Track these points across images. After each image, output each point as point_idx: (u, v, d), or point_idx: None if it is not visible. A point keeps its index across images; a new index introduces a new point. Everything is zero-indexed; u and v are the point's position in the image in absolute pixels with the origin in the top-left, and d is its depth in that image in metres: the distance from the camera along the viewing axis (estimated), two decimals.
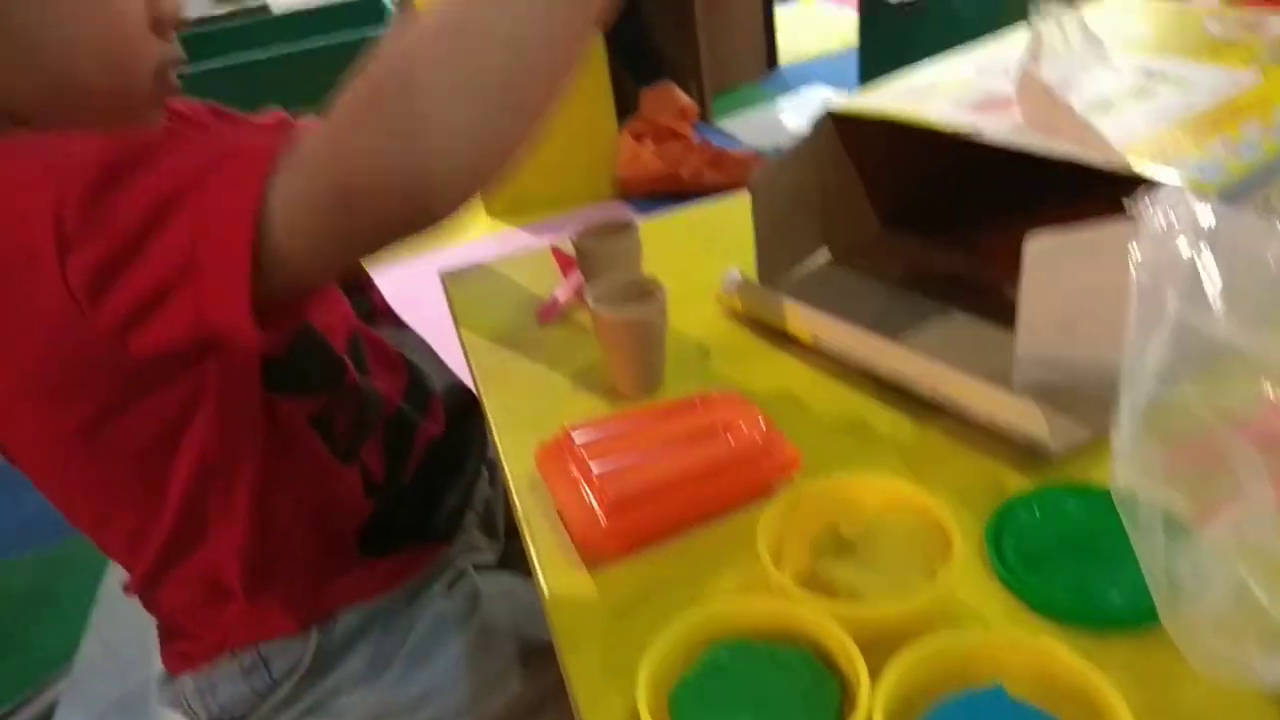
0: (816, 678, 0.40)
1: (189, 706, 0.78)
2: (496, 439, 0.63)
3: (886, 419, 0.60)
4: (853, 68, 3.20)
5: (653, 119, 2.69)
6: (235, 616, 0.74)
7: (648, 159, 2.59)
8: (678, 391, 0.65)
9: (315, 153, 0.49)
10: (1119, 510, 0.40)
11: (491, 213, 2.71)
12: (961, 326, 0.66)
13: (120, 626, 0.76)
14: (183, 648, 0.77)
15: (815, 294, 0.69)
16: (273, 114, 0.83)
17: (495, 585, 0.84)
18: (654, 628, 0.42)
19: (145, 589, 0.74)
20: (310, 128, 0.50)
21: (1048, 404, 0.54)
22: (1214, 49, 0.69)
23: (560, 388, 0.68)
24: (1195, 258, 0.44)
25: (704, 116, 2.92)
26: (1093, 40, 0.70)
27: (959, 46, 2.23)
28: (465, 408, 0.88)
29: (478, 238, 2.62)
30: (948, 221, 0.77)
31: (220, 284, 0.50)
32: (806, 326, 0.65)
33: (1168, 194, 0.46)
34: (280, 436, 0.68)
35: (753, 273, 0.72)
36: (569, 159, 2.67)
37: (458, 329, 0.79)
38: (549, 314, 0.76)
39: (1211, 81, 0.64)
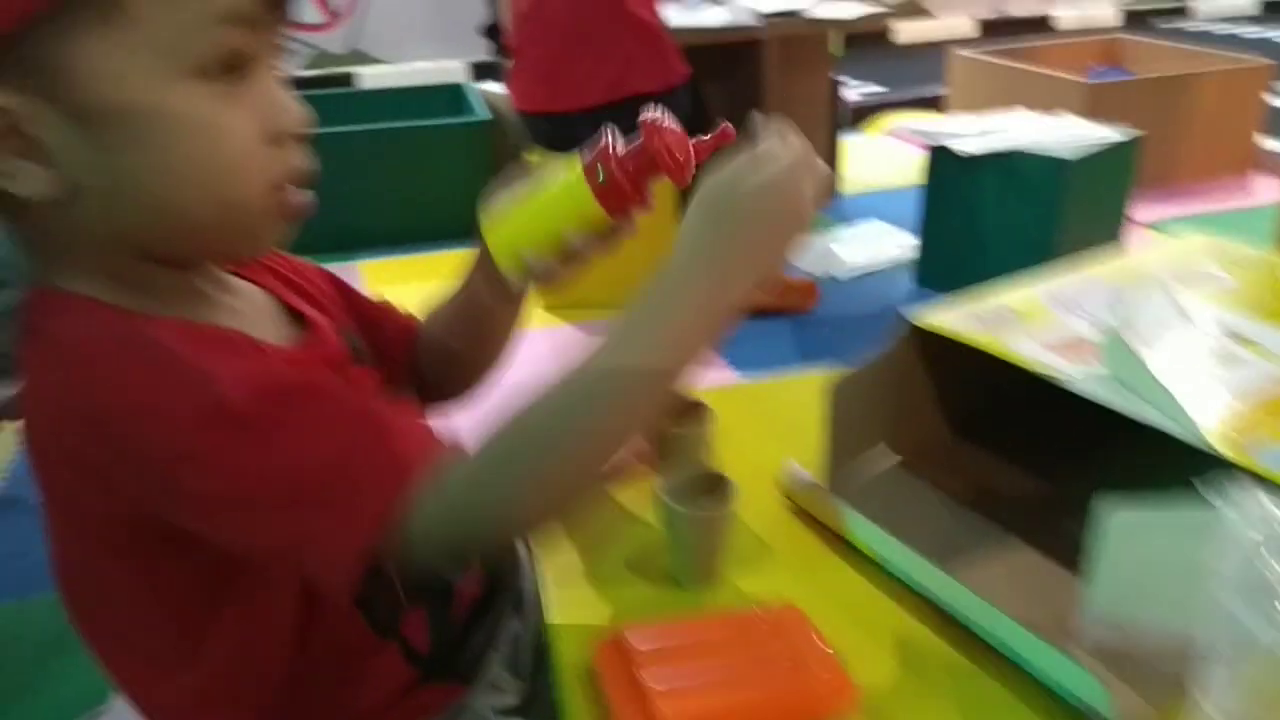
0: None
1: None
2: (551, 611, 0.63)
3: (944, 656, 0.60)
4: (910, 205, 3.25)
5: None
6: None
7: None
8: (735, 587, 0.65)
9: (457, 500, 0.54)
10: None
11: (547, 307, 2.74)
12: (1025, 559, 0.66)
13: None
14: None
15: (879, 500, 0.70)
16: (382, 302, 0.84)
17: None
18: None
19: None
20: (445, 456, 0.54)
21: (1110, 666, 0.54)
22: None
23: (617, 565, 0.68)
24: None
25: None
26: (1176, 298, 0.71)
27: (1018, 200, 2.23)
28: None
29: (531, 330, 2.64)
30: (1016, 437, 0.78)
31: (328, 569, 0.55)
32: (871, 543, 0.66)
33: (1247, 496, 0.47)
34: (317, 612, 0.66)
35: (813, 460, 0.73)
36: (632, 267, 2.69)
37: None
38: (615, 479, 0.77)
39: None
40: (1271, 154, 3.56)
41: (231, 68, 0.57)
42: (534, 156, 2.66)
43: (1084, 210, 2.53)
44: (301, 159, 0.61)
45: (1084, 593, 0.56)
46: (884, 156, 4.02)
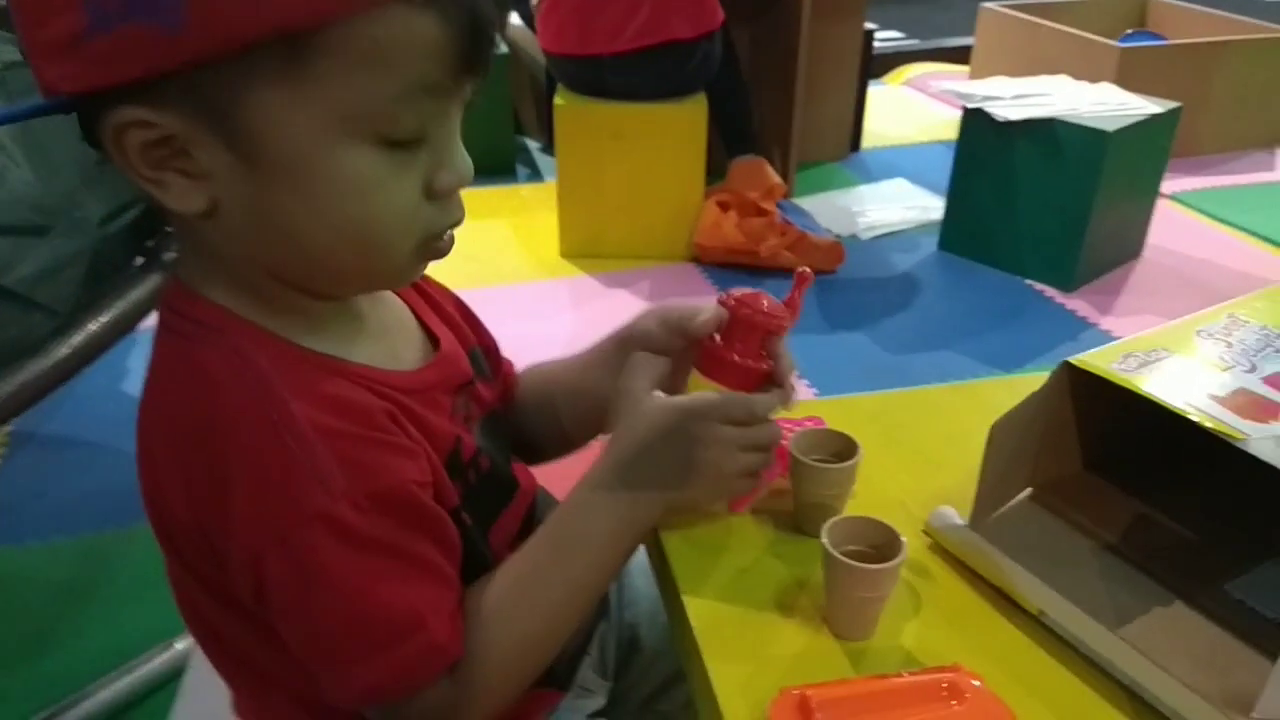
0: None
1: None
2: (707, 664, 0.62)
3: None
4: (933, 162, 3.21)
5: (739, 191, 2.69)
6: None
7: (729, 230, 2.59)
8: (890, 642, 0.64)
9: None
10: None
11: (565, 254, 2.70)
12: (1181, 619, 0.65)
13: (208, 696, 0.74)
14: None
15: (1020, 542, 0.68)
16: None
17: None
18: None
19: None
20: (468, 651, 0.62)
21: None
22: None
23: (766, 605, 0.67)
24: None
25: (787, 194, 2.93)
26: None
27: (1054, 170, 2.17)
28: None
29: (548, 278, 2.61)
30: (1146, 473, 0.77)
31: (337, 695, 0.61)
32: (1034, 600, 0.65)
33: None
34: None
35: (949, 493, 0.72)
36: (652, 216, 2.67)
37: None
38: (742, 506, 0.75)
39: None
40: None
41: (413, 140, 0.56)
42: (559, 99, 2.59)
43: (1119, 182, 2.50)
44: (457, 213, 0.61)
45: (1273, 678, 0.55)
46: (906, 109, 3.96)
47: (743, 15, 2.81)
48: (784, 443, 0.75)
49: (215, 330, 0.60)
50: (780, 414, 0.71)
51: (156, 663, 1.42)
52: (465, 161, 0.59)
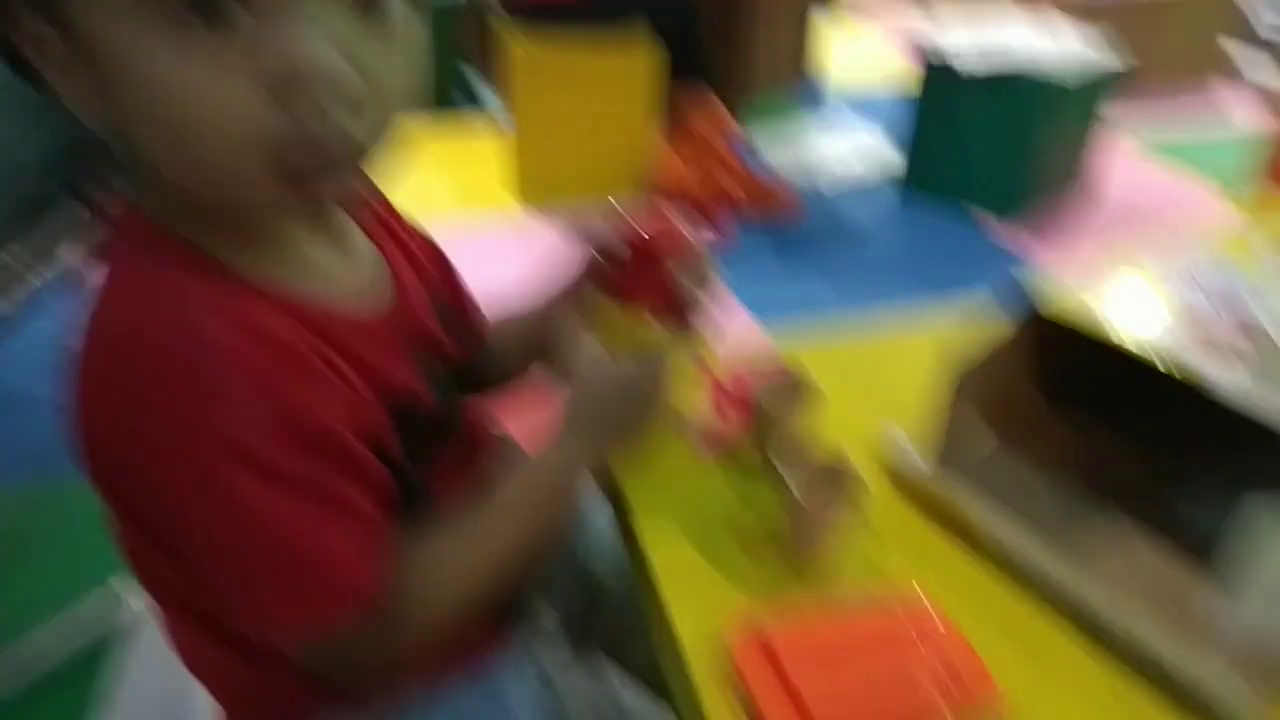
0: None
1: None
2: (665, 599, 0.61)
3: (1072, 653, 0.60)
4: (888, 103, 3.19)
5: (692, 128, 2.65)
6: (291, 691, 0.71)
7: (680, 170, 2.56)
8: (847, 570, 0.64)
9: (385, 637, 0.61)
10: None
11: (520, 197, 2.65)
12: (1138, 543, 0.66)
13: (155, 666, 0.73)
14: None
15: (978, 477, 0.69)
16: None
17: (573, 688, 0.82)
18: None
19: (190, 644, 0.71)
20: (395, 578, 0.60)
21: (1252, 676, 0.55)
22: None
23: (724, 538, 0.67)
24: None
25: (737, 129, 2.89)
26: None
27: (1014, 121, 2.15)
28: None
29: (499, 213, 2.57)
30: (1102, 402, 0.77)
31: (276, 635, 0.59)
32: (990, 533, 0.65)
33: None
34: None
35: (906, 428, 0.72)
36: (603, 150, 2.64)
37: None
38: (708, 452, 0.74)
39: None
40: (1242, 63, 3.58)
41: (208, 12, 0.47)
42: (518, 50, 2.52)
43: (1075, 131, 2.54)
44: (314, 118, 0.49)
45: (1226, 598, 0.56)
46: (857, 45, 3.93)
47: None
48: (746, 390, 0.74)
49: (144, 247, 0.57)
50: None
51: (96, 608, 1.39)
52: (318, 50, 0.48)
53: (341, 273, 0.65)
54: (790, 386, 0.71)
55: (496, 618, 0.79)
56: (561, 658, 0.87)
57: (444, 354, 0.72)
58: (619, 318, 0.67)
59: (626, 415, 0.69)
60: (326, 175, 0.53)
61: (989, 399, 0.73)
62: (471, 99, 3.25)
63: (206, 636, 0.68)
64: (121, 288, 0.56)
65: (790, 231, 2.59)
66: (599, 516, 0.97)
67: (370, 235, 0.70)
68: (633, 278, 0.68)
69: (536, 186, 2.64)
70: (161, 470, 0.54)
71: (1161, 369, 0.62)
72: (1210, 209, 2.71)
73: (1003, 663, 0.56)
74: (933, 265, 2.49)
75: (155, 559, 0.63)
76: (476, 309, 0.83)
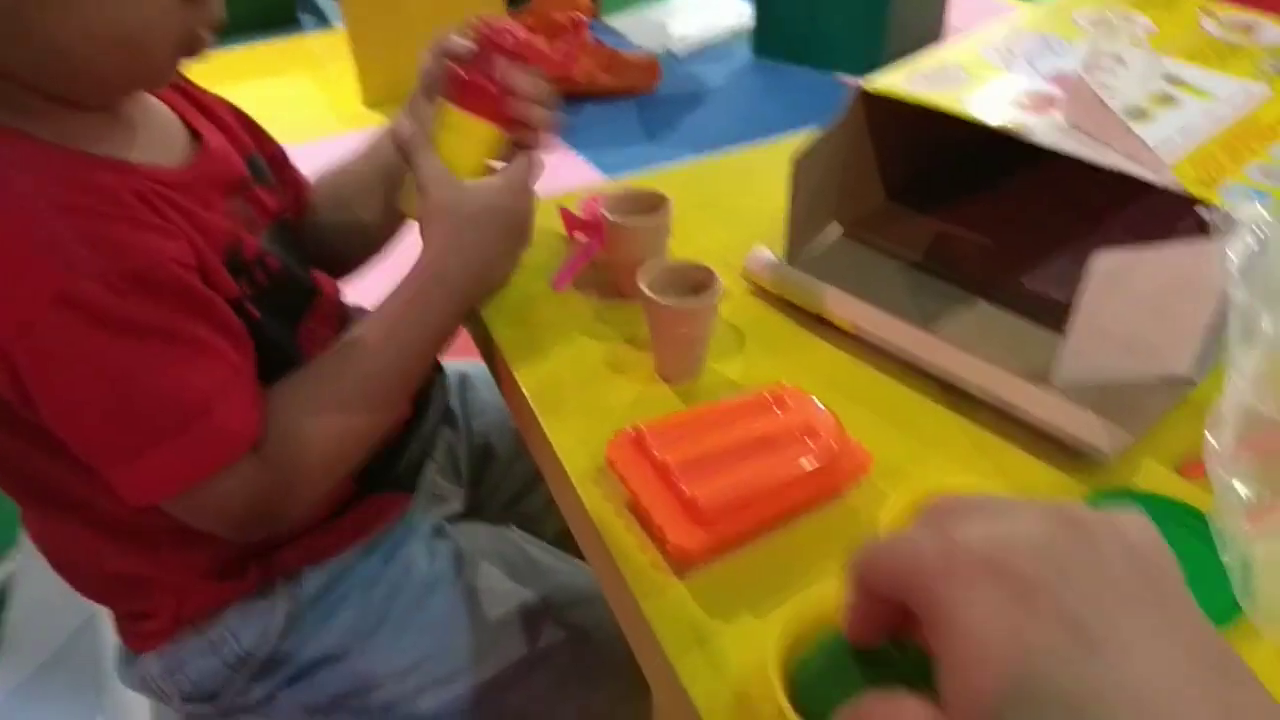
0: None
1: (158, 687, 0.75)
2: (543, 424, 0.62)
3: (933, 414, 0.62)
4: None
5: (545, 13, 2.57)
6: (181, 575, 0.71)
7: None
8: (717, 378, 0.65)
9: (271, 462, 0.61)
10: (1216, 502, 0.45)
11: (368, 103, 2.55)
12: (984, 315, 0.68)
13: (46, 573, 0.71)
14: (141, 627, 0.74)
15: (832, 273, 0.70)
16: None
17: (475, 541, 0.84)
18: (751, 629, 0.45)
19: (56, 538, 0.70)
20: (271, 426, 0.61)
21: (1085, 404, 0.58)
22: (1219, 53, 0.73)
23: (596, 366, 0.67)
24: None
25: (595, 13, 2.83)
26: (1106, 45, 0.72)
27: None
28: None
29: (354, 129, 2.47)
30: (944, 195, 0.80)
31: (126, 490, 0.58)
32: (848, 317, 0.67)
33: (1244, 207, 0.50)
34: None
35: (763, 241, 0.73)
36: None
37: None
38: (564, 282, 0.74)
39: (1229, 93, 0.67)
40: None
41: None
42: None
43: None
44: (217, 11, 0.60)
45: (1064, 337, 0.58)
46: None
47: None
48: (595, 212, 0.74)
49: None
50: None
51: None
52: None
53: (144, 131, 0.64)
54: (642, 202, 0.71)
55: (388, 486, 0.80)
56: (454, 511, 0.88)
57: (261, 202, 0.71)
58: (466, 126, 0.66)
59: (490, 235, 0.68)
60: (203, 41, 0.60)
61: (835, 196, 0.75)
62: (320, 18, 3.09)
63: (81, 530, 0.67)
64: None
65: (647, 98, 2.56)
66: (479, 380, 0.98)
67: (165, 101, 0.69)
68: (479, 80, 0.66)
69: (381, 89, 2.54)
70: (8, 339, 0.52)
71: (982, 123, 0.63)
72: None
73: (867, 429, 0.58)
74: (789, 120, 2.50)
75: (15, 447, 0.61)
76: (290, 164, 0.82)
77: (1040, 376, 0.60)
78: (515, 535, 0.87)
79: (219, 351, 0.59)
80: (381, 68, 2.53)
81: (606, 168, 2.17)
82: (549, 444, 0.60)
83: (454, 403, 0.95)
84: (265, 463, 0.60)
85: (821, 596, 0.41)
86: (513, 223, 0.69)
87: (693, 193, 0.84)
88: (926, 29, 2.76)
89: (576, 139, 2.30)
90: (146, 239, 0.57)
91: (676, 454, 0.54)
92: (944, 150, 0.79)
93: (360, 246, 0.85)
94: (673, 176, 0.89)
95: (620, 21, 2.97)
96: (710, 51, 2.83)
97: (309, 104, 2.61)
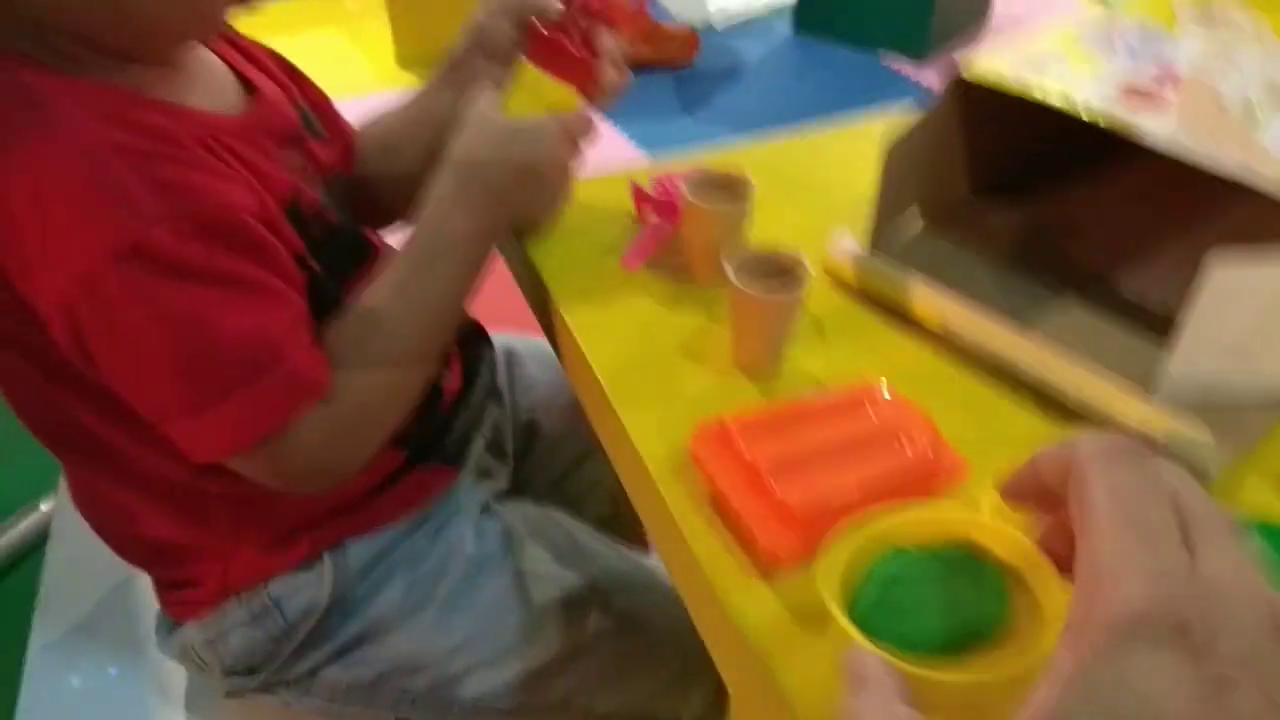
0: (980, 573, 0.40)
1: (198, 658, 0.73)
2: (620, 414, 0.59)
3: (1025, 420, 0.60)
4: None
5: None
6: (228, 544, 0.69)
7: None
8: (798, 371, 0.62)
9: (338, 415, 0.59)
10: None
11: (402, 64, 2.51)
12: (1076, 317, 0.66)
13: (83, 532, 0.70)
14: (183, 595, 0.72)
15: (917, 265, 0.67)
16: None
17: (522, 521, 0.82)
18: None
19: (106, 508, 0.69)
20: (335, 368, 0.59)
21: (1187, 417, 0.55)
22: None
23: (670, 353, 0.64)
24: None
25: None
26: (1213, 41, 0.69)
27: None
28: (468, 329, 0.84)
29: (389, 88, 2.43)
30: (1029, 188, 0.77)
31: (192, 446, 0.56)
32: (937, 314, 0.64)
33: None
34: None
35: (841, 227, 0.70)
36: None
37: (531, 263, 0.73)
38: (636, 262, 0.71)
39: None
40: None
41: None
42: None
43: None
44: None
45: (1168, 348, 0.56)
46: None
47: None
48: (670, 191, 0.71)
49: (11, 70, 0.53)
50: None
51: (24, 525, 1.33)
52: None
53: (195, 77, 0.63)
54: (722, 183, 0.68)
55: (435, 458, 0.78)
56: (500, 489, 0.86)
57: (315, 155, 0.70)
58: (545, 88, 0.63)
59: (519, 163, 0.64)
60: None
61: (921, 186, 0.72)
62: None
63: (127, 493, 0.65)
64: None
65: (685, 71, 2.52)
66: (528, 357, 0.96)
67: (215, 51, 0.67)
68: (566, 43, 0.64)
69: (415, 48, 2.51)
70: (63, 285, 0.50)
71: (1093, 120, 0.60)
72: None
73: (956, 433, 0.55)
74: (829, 99, 2.46)
75: (62, 403, 0.59)
76: (337, 113, 0.79)
77: (1138, 385, 0.58)
78: (560, 517, 0.85)
79: (287, 298, 0.57)
80: (416, 27, 2.50)
81: (643, 141, 2.13)
82: (626, 435, 0.57)
83: (501, 378, 0.93)
84: (328, 411, 0.58)
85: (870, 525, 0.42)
86: (543, 164, 0.65)
87: (764, 174, 0.81)
88: (973, 9, 2.71)
89: (617, 120, 2.26)
90: (211, 184, 0.55)
91: (766, 452, 0.51)
92: (1030, 140, 0.76)
93: (406, 197, 0.83)
94: (742, 156, 0.86)
95: None
96: (750, 26, 2.78)
97: (344, 61, 2.57)
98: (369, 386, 0.61)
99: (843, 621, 0.37)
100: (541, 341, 0.77)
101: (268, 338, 0.55)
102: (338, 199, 0.71)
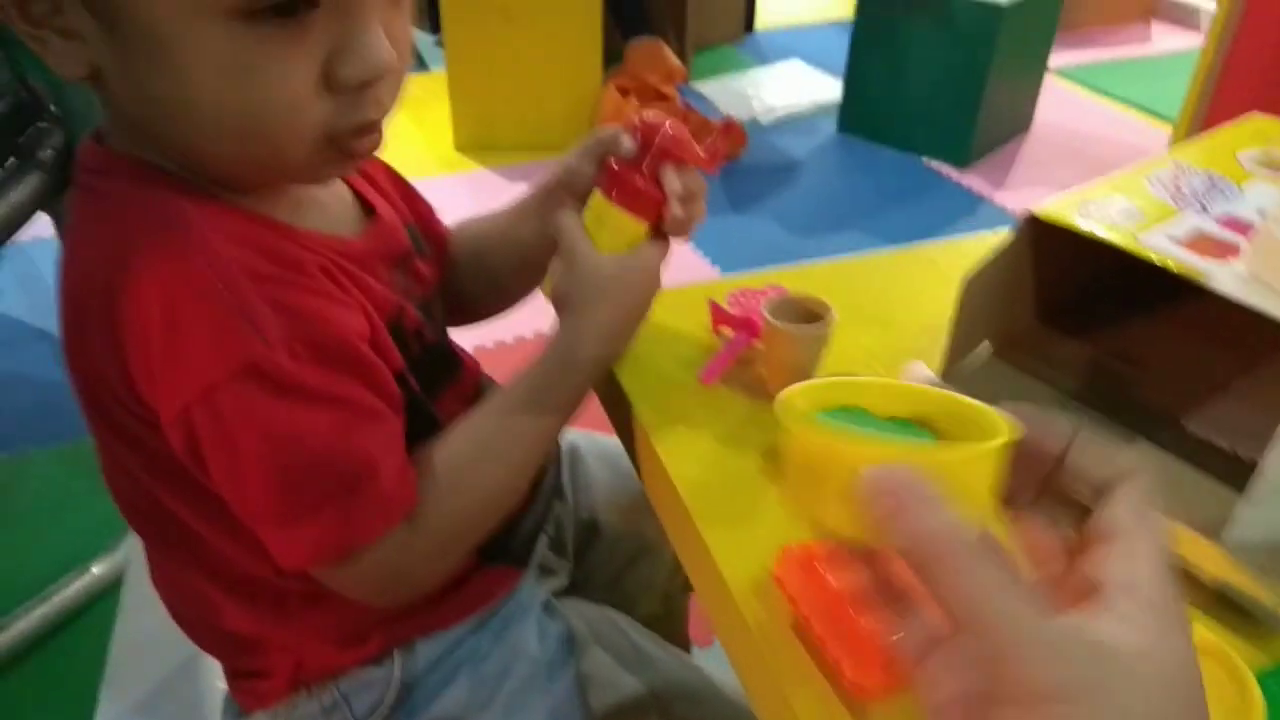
0: None
1: None
2: (703, 532, 0.61)
3: None
4: (827, 43, 3.20)
5: (639, 75, 2.62)
6: (303, 639, 0.71)
7: (631, 117, 2.53)
8: None
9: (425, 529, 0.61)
10: None
11: (459, 148, 2.60)
12: (1145, 457, 0.67)
13: (153, 609, 0.72)
14: (254, 685, 0.73)
15: (986, 395, 0.68)
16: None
17: (582, 622, 0.83)
18: None
19: (183, 591, 0.70)
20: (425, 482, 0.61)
21: (1259, 565, 0.57)
22: None
23: (749, 472, 0.66)
24: None
25: (685, 78, 2.87)
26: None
27: (950, 46, 2.19)
28: None
29: (445, 173, 2.51)
30: (1096, 320, 0.79)
31: (283, 556, 0.58)
32: None
33: None
34: None
35: (912, 353, 0.72)
36: (549, 105, 2.58)
37: (613, 375, 0.75)
38: (713, 377, 0.74)
39: None
40: (1172, 2, 3.64)
41: (287, 8, 0.49)
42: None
43: (1010, 57, 2.54)
44: (370, 110, 0.56)
45: (1243, 495, 0.57)
46: None
47: None
48: (752, 313, 0.74)
49: (138, 181, 0.56)
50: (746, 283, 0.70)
51: (74, 588, 1.35)
52: (376, 49, 0.53)
53: (322, 202, 0.66)
54: (803, 308, 0.71)
55: (502, 559, 0.79)
56: (560, 586, 0.87)
57: (420, 274, 0.73)
58: (619, 222, 0.66)
59: (620, 312, 0.68)
60: (366, 141, 0.57)
61: (991, 314, 0.74)
62: (420, 63, 3.18)
63: (208, 584, 0.67)
64: (121, 218, 0.55)
65: (731, 164, 2.59)
66: (589, 453, 0.98)
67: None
68: (639, 183, 0.66)
69: (473, 134, 2.59)
70: (185, 396, 0.53)
71: (1164, 266, 0.63)
72: (1157, 139, 2.75)
73: None
74: (874, 199, 2.51)
75: (158, 492, 0.62)
76: (436, 220, 0.83)
77: (1208, 530, 0.59)
78: (618, 618, 0.86)
79: (387, 419, 0.59)
80: (475, 114, 2.58)
81: (699, 242, 2.18)
82: (709, 554, 0.59)
83: (564, 474, 0.95)
84: (414, 530, 0.60)
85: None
86: (640, 303, 0.69)
87: (837, 291, 0.84)
88: (1017, 120, 2.77)
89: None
90: (329, 309, 0.58)
91: (852, 580, 0.53)
92: (1097, 273, 0.79)
93: (491, 301, 0.87)
94: (815, 272, 0.89)
95: (708, 88, 3.01)
96: (795, 124, 2.85)
97: (406, 143, 2.66)
98: (458, 511, 0.63)
99: (817, 420, 0.41)
100: (602, 437, 0.79)
101: (365, 458, 0.57)
102: (433, 314, 0.74)
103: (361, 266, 0.64)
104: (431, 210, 0.82)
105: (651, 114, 0.69)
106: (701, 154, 0.68)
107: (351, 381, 0.58)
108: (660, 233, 0.69)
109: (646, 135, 0.67)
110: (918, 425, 0.44)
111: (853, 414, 0.44)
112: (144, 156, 0.57)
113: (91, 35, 0.51)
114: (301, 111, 0.53)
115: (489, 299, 0.86)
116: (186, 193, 0.56)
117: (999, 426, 0.39)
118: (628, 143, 0.69)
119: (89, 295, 0.54)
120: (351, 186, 0.70)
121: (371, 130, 0.57)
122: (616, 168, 0.67)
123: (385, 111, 0.57)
